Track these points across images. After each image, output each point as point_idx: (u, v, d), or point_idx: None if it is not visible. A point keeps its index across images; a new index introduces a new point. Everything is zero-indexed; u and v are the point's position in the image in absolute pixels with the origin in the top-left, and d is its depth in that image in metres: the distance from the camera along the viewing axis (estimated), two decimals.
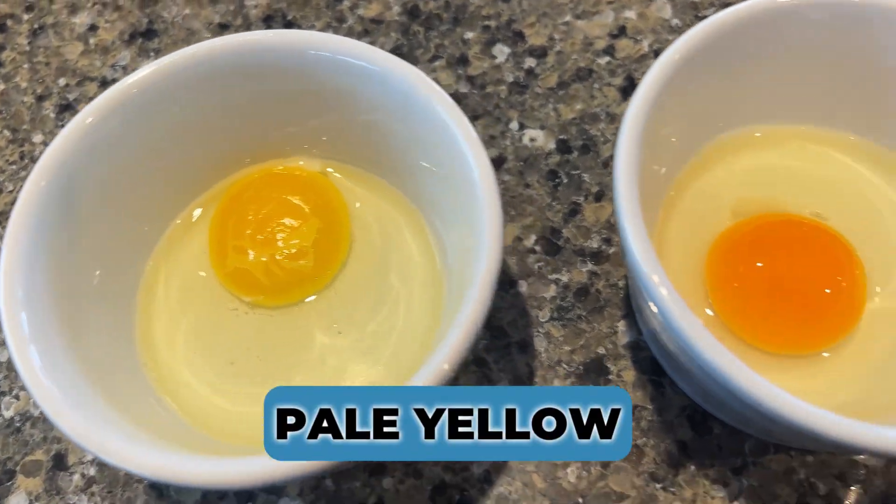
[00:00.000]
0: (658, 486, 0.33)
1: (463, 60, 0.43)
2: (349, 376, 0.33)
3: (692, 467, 0.33)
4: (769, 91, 0.35)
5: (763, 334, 0.32)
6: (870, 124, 0.36)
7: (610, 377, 0.35)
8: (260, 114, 0.35)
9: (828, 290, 0.33)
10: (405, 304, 0.34)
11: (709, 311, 0.33)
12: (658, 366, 0.35)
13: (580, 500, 0.33)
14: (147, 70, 0.32)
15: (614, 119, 0.41)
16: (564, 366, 0.36)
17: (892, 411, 0.31)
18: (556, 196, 0.39)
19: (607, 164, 0.40)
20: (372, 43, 0.44)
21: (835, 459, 0.33)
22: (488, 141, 0.41)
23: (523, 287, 0.37)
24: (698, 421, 0.34)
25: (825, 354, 0.33)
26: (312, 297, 0.34)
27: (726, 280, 0.33)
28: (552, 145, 0.41)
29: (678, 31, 0.44)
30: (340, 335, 0.34)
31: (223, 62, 0.32)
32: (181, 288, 0.35)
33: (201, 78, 0.32)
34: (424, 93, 0.31)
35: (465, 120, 0.30)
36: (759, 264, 0.33)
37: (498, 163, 0.40)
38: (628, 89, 0.42)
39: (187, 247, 0.36)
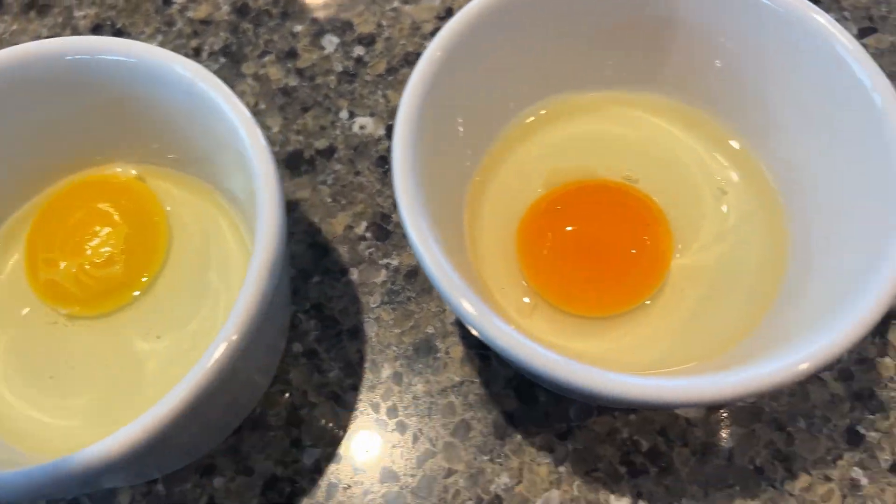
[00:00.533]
0: (485, 458, 0.33)
1: (292, 54, 0.43)
2: (169, 378, 0.33)
3: (518, 437, 0.34)
4: (563, 62, 0.35)
5: (571, 300, 0.33)
6: (677, 84, 0.36)
7: (438, 355, 0.35)
8: (63, 125, 0.34)
9: (633, 251, 0.33)
10: (225, 300, 0.34)
11: (526, 299, 0.33)
12: None
13: (410, 480, 0.33)
14: None
15: None
16: (394, 348, 0.36)
17: (704, 360, 0.32)
18: (386, 182, 0.40)
19: None
20: (201, 44, 0.43)
21: (657, 416, 0.34)
22: (318, 132, 0.41)
23: (354, 275, 0.38)
24: (524, 391, 0.35)
25: (647, 302, 0.33)
26: (132, 304, 0.34)
27: (535, 253, 0.33)
28: (382, 131, 0.41)
29: None
30: (159, 339, 0.33)
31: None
32: None
33: None
34: (205, 88, 0.31)
35: (245, 112, 0.30)
36: (568, 228, 0.34)
37: (328, 153, 0.40)
38: None
39: (5, 264, 0.35)
